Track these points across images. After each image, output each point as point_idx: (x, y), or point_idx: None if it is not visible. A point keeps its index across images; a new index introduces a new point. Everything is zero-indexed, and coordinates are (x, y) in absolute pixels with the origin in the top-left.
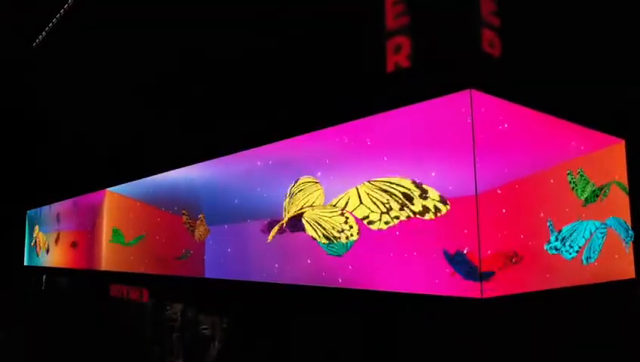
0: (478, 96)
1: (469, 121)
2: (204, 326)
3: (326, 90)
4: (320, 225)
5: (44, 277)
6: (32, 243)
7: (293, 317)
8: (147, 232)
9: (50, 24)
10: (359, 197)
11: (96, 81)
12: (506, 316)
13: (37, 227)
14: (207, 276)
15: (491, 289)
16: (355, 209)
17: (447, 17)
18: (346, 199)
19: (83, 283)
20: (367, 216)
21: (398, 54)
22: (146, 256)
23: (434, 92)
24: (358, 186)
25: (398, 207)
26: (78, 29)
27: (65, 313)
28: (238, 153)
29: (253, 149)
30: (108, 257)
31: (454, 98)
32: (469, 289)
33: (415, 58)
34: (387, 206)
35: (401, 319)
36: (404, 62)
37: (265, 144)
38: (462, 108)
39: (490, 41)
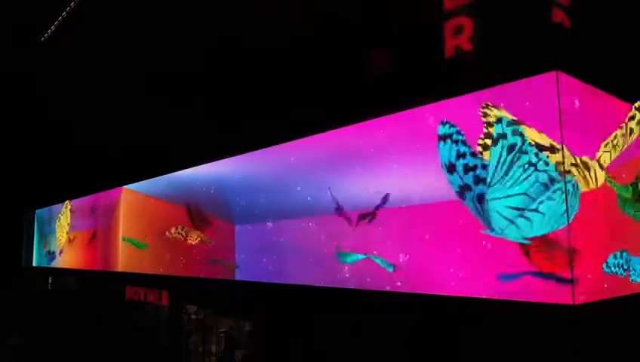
0: (564, 78)
1: (556, 104)
2: (231, 330)
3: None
4: None
5: (50, 278)
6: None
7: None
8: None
9: (60, 17)
10: None
11: (109, 78)
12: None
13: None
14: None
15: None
16: None
17: None
18: None
19: (98, 284)
20: None
21: (459, 37)
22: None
23: (511, 75)
24: None
25: None
26: (89, 25)
27: (76, 315)
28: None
29: (312, 136)
30: (124, 258)
31: (538, 80)
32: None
33: (479, 40)
34: None
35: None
36: (467, 46)
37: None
38: (547, 90)
39: (561, 22)
